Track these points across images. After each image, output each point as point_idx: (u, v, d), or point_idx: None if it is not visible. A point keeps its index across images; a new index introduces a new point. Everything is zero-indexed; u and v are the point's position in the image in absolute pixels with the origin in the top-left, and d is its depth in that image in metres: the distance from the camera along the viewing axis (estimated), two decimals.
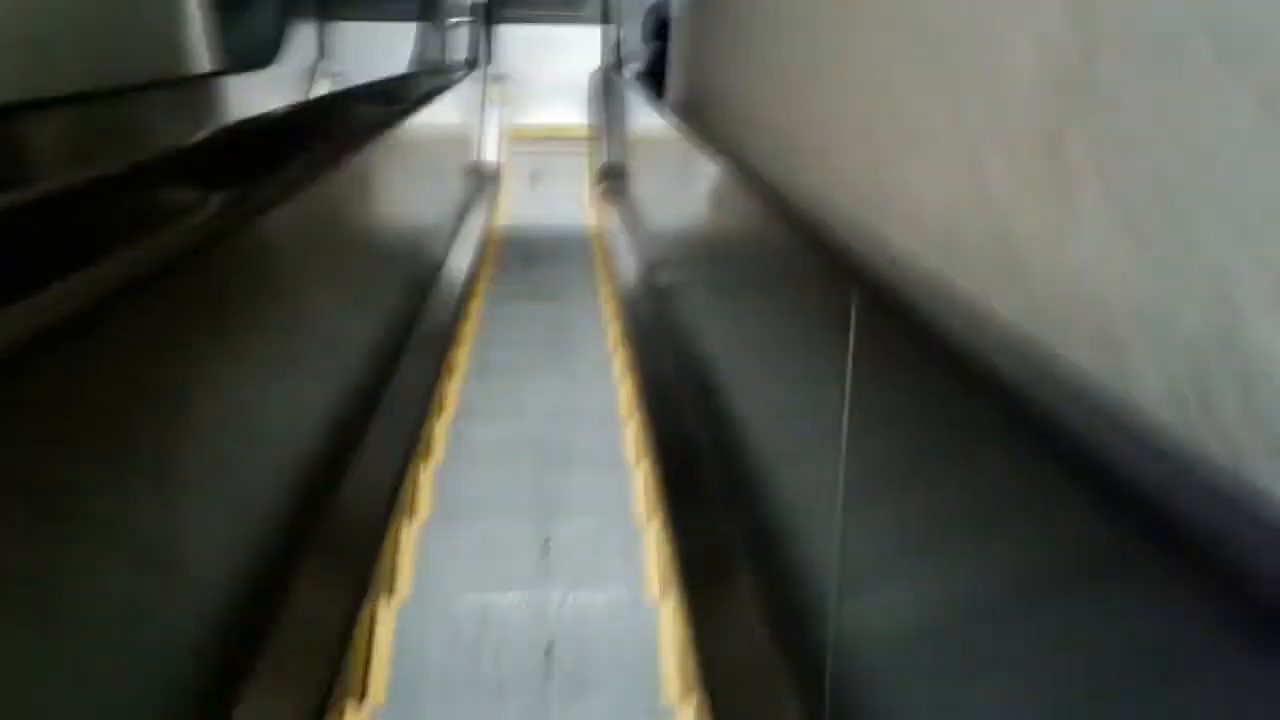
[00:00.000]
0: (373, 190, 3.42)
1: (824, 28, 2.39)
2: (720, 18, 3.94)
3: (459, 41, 7.63)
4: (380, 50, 7.72)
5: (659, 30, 6.26)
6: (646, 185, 5.28)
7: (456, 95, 5.77)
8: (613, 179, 6.37)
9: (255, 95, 6.09)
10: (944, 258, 1.51)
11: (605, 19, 7.82)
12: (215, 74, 5.63)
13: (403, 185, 4.14)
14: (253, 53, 6.64)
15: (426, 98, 5.08)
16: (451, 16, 7.85)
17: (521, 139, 7.34)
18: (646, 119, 5.14)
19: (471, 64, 6.54)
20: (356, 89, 5.17)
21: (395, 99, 5.51)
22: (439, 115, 5.15)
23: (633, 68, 6.72)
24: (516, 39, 8.17)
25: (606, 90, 7.21)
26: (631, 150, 5.94)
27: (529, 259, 5.52)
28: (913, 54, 1.71)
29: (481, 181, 6.50)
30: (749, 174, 2.61)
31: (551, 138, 7.35)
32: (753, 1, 3.29)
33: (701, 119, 4.21)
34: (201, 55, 5.64)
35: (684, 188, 3.65)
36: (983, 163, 1.38)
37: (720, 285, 2.91)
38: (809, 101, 2.52)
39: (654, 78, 6.37)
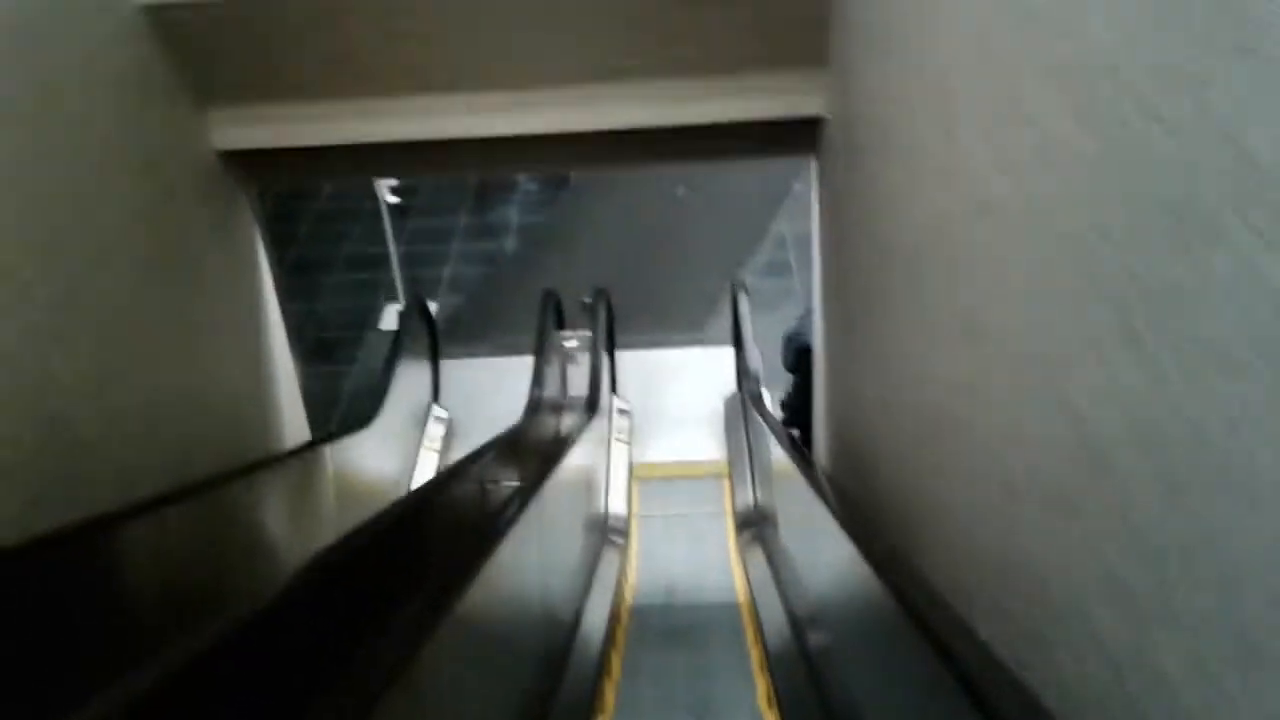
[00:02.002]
0: (510, 580, 3.27)
1: None
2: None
3: (578, 375, 7.35)
4: (492, 388, 7.51)
5: (797, 361, 5.82)
6: (794, 543, 4.70)
7: (582, 444, 5.35)
8: (756, 526, 5.78)
9: (362, 461, 5.77)
10: None
11: (735, 342, 7.47)
12: (316, 443, 5.33)
13: (538, 560, 3.91)
14: (357, 408, 6.44)
15: (553, 455, 4.68)
16: (568, 347, 7.62)
17: (650, 478, 6.85)
18: (790, 475, 4.60)
19: (593, 402, 6.15)
20: (477, 455, 4.76)
21: (520, 459, 5.11)
22: (567, 472, 4.72)
23: (768, 398, 6.26)
24: (637, 366, 7.88)
25: (744, 423, 6.75)
26: (776, 498, 5.37)
27: (668, 628, 4.86)
28: None
29: (609, 534, 5.98)
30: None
31: (684, 477, 6.84)
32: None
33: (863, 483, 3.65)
34: (299, 426, 5.38)
35: (833, 566, 3.28)
36: None
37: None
38: None
39: (795, 414, 5.89)
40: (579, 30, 4.22)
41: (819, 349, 4.87)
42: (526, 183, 11.62)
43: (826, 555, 3.44)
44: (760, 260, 9.80)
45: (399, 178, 7.85)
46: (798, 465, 4.28)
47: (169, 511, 3.58)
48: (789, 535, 4.85)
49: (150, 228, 3.93)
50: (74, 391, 3.26)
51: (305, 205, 11.17)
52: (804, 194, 10.26)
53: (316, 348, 9.09)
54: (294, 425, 5.38)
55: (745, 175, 10.88)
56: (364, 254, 10.22)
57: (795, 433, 5.61)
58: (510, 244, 10.63)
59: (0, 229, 2.94)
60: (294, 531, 4.68)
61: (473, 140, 4.56)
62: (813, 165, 4.85)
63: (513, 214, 11.14)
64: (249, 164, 4.73)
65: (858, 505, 3.70)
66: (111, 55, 3.71)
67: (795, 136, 4.65)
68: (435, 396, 7.78)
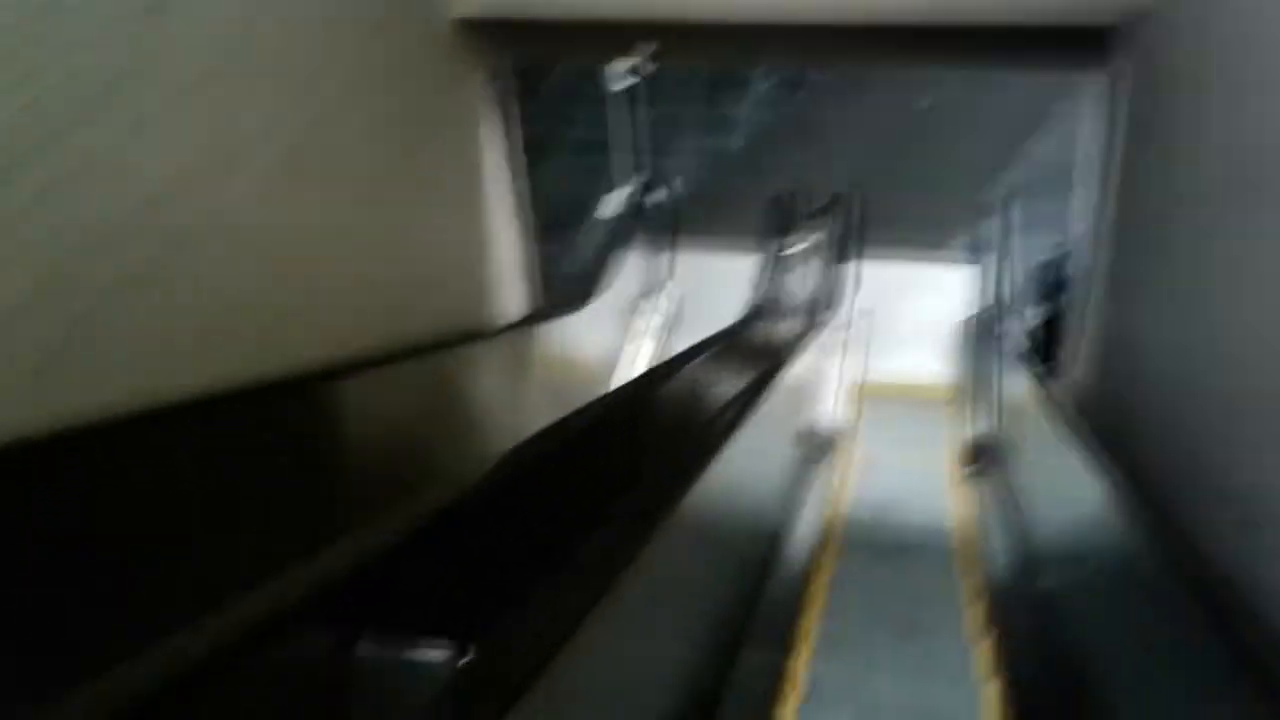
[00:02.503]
0: (725, 485, 3.19)
1: None
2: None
3: (806, 279, 7.05)
4: (714, 283, 7.28)
5: (1052, 291, 5.33)
6: (1030, 483, 4.34)
7: (804, 352, 5.09)
8: (984, 461, 5.39)
9: (574, 344, 5.67)
10: None
11: (979, 263, 6.98)
12: (528, 320, 5.25)
13: (753, 467, 3.81)
14: (573, 288, 6.34)
15: (773, 360, 4.48)
16: (797, 250, 7.29)
17: (872, 395, 6.53)
18: (1033, 410, 4.23)
19: (819, 309, 5.84)
20: (695, 351, 4.56)
21: (739, 361, 4.90)
22: (787, 379, 4.51)
23: (1015, 328, 5.80)
24: (868, 277, 7.48)
25: (981, 350, 6.32)
26: (1011, 432, 4.97)
27: (877, 549, 4.59)
28: None
29: (823, 447, 5.72)
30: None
31: (908, 397, 6.48)
32: None
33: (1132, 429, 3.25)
34: (516, 303, 5.29)
35: (1080, 512, 3.11)
36: None
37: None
38: None
39: (1042, 346, 5.43)
40: None
41: (1084, 281, 4.40)
42: (759, 80, 11.20)
43: (1072, 500, 3.22)
44: (1011, 182, 9.14)
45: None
46: (1043, 401, 3.91)
47: (372, 376, 3.52)
48: (1022, 472, 4.49)
49: (379, 91, 3.81)
50: (291, 248, 3.20)
51: (535, 84, 11.09)
52: (1066, 114, 9.55)
53: (539, 228, 9.03)
54: (511, 302, 5.30)
55: (1001, 89, 10.18)
56: (592, 138, 10.07)
57: (1040, 367, 5.17)
58: (740, 140, 10.31)
59: (227, 87, 2.85)
60: (499, 409, 4.61)
61: (722, 25, 4.24)
62: (1097, 80, 4.32)
63: (744, 110, 10.78)
64: (485, 34, 4.56)
65: (1118, 456, 3.31)
66: None
67: (1080, 47, 4.14)
68: (655, 287, 7.61)
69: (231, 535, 2.61)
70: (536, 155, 10.01)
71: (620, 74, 8.48)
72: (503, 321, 5.09)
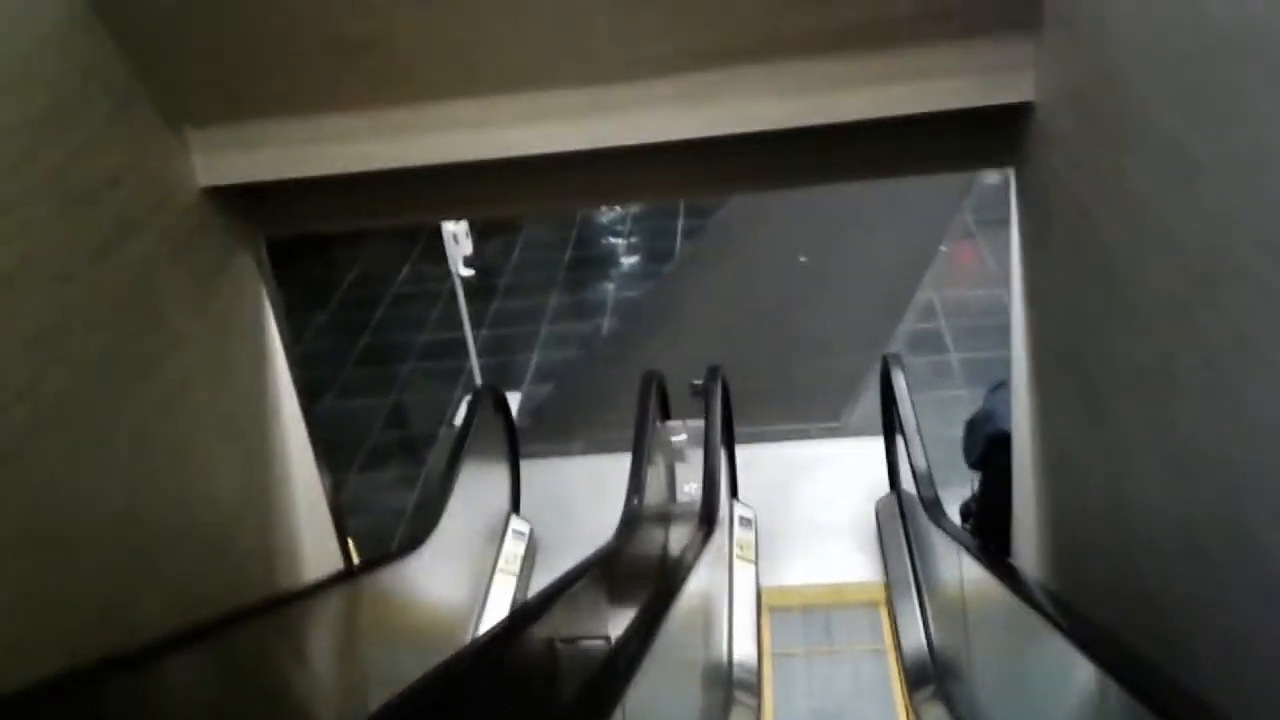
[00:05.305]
0: None
1: None
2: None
3: (689, 475, 6.26)
4: (585, 494, 6.50)
5: (988, 452, 4.60)
6: (1013, 703, 3.51)
7: (697, 569, 4.22)
8: (938, 678, 4.53)
9: (409, 595, 4.72)
10: None
11: (887, 431, 6.28)
12: (344, 575, 4.32)
13: None
14: (414, 524, 5.42)
15: (660, 587, 3.66)
16: (675, 442, 6.50)
17: (784, 608, 5.65)
18: (998, 605, 3.42)
19: (709, 511, 5.00)
20: (559, 588, 3.66)
21: (616, 591, 4.06)
22: (679, 611, 3.63)
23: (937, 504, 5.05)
24: (761, 464, 6.74)
25: (907, 535, 5.54)
26: (971, 637, 4.13)
27: None
28: None
29: (735, 689, 4.79)
30: None
31: (828, 606, 5.63)
32: None
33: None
34: (326, 550, 4.36)
35: None
36: None
37: None
38: None
39: (981, 524, 4.70)
40: None
41: (1026, 438, 3.68)
42: (625, 255, 10.92)
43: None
44: (904, 333, 8.62)
45: (449, 218, 6.92)
46: (1012, 592, 3.09)
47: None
48: (1001, 692, 3.63)
49: (99, 293, 2.94)
50: None
51: (379, 289, 10.55)
52: (952, 254, 9.30)
53: (385, 449, 8.23)
54: (319, 550, 4.34)
55: (880, 235, 10.07)
56: (443, 340, 9.45)
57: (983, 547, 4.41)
58: (607, 323, 9.71)
59: None
60: (303, 698, 3.63)
61: (542, 159, 3.49)
62: (1010, 183, 3.69)
63: (609, 290, 10.28)
64: (249, 204, 3.75)
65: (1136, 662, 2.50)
66: (45, 56, 2.78)
67: (983, 138, 3.51)
68: (514, 506, 6.71)
69: None
70: (385, 363, 9.30)
71: (459, 264, 7.80)
72: (308, 578, 4.14)
